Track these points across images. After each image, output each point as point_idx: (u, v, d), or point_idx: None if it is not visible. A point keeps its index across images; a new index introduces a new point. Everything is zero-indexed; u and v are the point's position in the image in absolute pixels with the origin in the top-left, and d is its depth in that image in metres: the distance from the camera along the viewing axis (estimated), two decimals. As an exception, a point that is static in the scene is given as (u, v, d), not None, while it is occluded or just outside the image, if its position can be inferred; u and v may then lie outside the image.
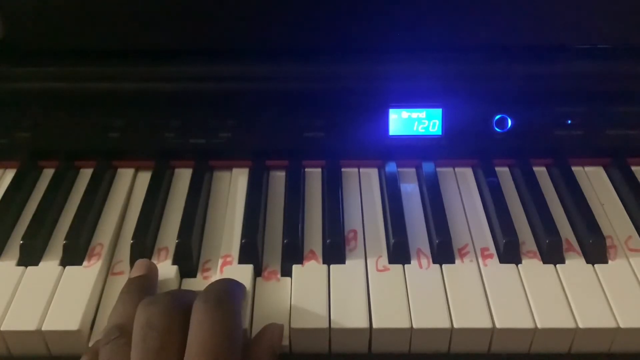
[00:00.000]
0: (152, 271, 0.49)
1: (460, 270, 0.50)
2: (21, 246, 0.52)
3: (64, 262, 0.51)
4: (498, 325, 0.46)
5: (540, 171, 0.60)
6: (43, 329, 0.46)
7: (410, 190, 0.59)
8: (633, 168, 0.59)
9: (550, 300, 0.48)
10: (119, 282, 0.50)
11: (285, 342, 0.46)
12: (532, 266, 0.51)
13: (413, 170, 0.61)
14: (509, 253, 0.51)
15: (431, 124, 0.59)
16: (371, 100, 0.59)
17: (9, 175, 0.60)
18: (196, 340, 0.39)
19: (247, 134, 0.60)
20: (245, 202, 0.56)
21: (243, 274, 0.50)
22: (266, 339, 0.45)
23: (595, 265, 0.51)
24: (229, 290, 0.43)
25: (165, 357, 0.39)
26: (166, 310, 0.40)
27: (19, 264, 0.51)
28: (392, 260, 0.51)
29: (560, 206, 0.57)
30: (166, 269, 0.51)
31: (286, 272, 0.51)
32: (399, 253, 0.51)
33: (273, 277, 0.50)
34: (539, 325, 0.46)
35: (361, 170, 0.61)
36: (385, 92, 0.59)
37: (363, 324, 0.46)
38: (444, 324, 0.46)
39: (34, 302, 0.48)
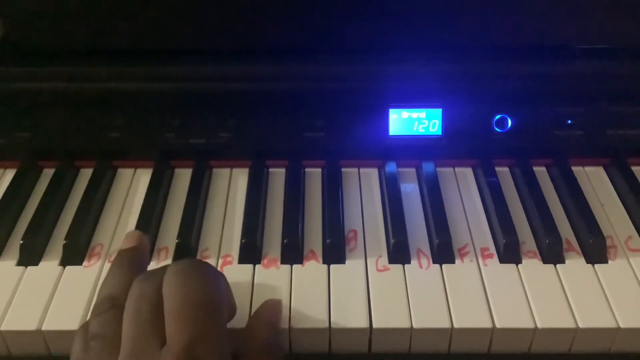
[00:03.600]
0: (143, 243, 0.48)
1: (460, 270, 0.50)
2: (21, 246, 0.52)
3: (64, 262, 0.51)
4: (498, 325, 0.46)
5: (540, 171, 0.60)
6: (43, 329, 0.46)
7: (410, 190, 0.59)
8: (633, 168, 0.59)
9: (550, 300, 0.48)
10: (119, 282, 0.50)
11: (285, 340, 0.46)
12: (532, 266, 0.51)
13: (413, 170, 0.61)
14: (509, 253, 0.51)
15: (431, 124, 0.59)
16: (371, 100, 0.59)
17: (9, 175, 0.60)
18: (171, 312, 0.38)
19: (247, 134, 0.60)
20: (245, 202, 0.56)
21: (243, 274, 0.50)
22: (265, 315, 0.45)
23: (595, 265, 0.51)
24: (198, 262, 0.42)
25: (157, 330, 0.38)
26: (159, 284, 0.40)
27: (19, 264, 0.51)
28: (392, 260, 0.51)
29: (560, 206, 0.57)
30: (166, 269, 0.51)
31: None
32: (399, 253, 0.51)
33: (272, 265, 0.50)
34: (539, 325, 0.46)
35: (361, 170, 0.61)
36: (385, 92, 0.59)
37: (363, 324, 0.46)
38: (444, 324, 0.46)
39: (34, 302, 0.48)
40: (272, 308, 0.45)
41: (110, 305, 0.41)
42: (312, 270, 0.50)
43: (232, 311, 0.44)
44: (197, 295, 0.38)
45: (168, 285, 0.39)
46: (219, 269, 0.51)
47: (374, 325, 0.46)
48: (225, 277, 0.43)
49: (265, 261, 0.52)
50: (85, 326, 0.42)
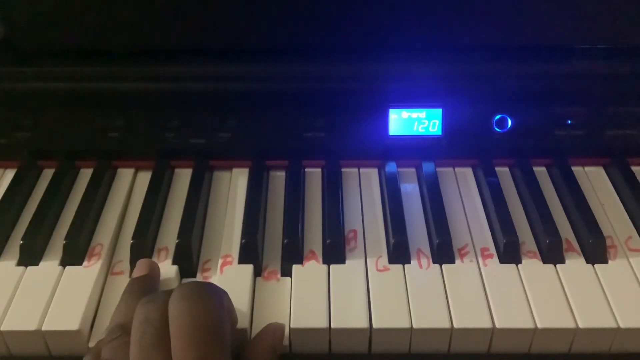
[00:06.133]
0: (154, 270, 0.49)
1: (460, 270, 0.50)
2: (21, 246, 0.52)
3: (64, 262, 0.51)
4: (498, 325, 0.46)
5: (540, 171, 0.60)
6: (43, 329, 0.46)
7: (410, 190, 0.59)
8: (633, 168, 0.59)
9: (550, 300, 0.48)
10: (119, 282, 0.50)
11: (285, 342, 0.46)
12: (532, 266, 0.51)
13: (413, 170, 0.61)
14: (509, 253, 0.51)
15: (431, 124, 0.59)
16: (371, 100, 0.59)
17: (9, 175, 0.60)
18: (177, 335, 0.38)
19: (247, 134, 0.60)
20: (245, 202, 0.56)
21: (243, 274, 0.50)
22: (267, 338, 0.45)
23: (595, 265, 0.51)
24: (203, 284, 0.43)
25: (161, 352, 0.38)
26: (164, 307, 0.40)
27: (19, 264, 0.51)
28: (392, 260, 0.51)
29: (560, 206, 0.57)
30: (166, 269, 0.51)
31: (286, 272, 0.51)
32: (399, 253, 0.51)
33: (273, 277, 0.50)
34: (539, 325, 0.46)
35: (361, 170, 0.61)
36: (385, 92, 0.59)
37: (363, 324, 0.46)
38: (444, 324, 0.46)
39: (34, 302, 0.48)
40: (274, 332, 0.46)
41: (121, 332, 0.41)
42: (312, 270, 0.50)
43: (233, 324, 0.44)
44: (203, 318, 0.39)
45: (174, 308, 0.40)
46: (218, 269, 0.51)
47: (374, 326, 0.46)
48: (227, 294, 0.43)
49: (265, 261, 0.52)
50: (93, 351, 0.42)
